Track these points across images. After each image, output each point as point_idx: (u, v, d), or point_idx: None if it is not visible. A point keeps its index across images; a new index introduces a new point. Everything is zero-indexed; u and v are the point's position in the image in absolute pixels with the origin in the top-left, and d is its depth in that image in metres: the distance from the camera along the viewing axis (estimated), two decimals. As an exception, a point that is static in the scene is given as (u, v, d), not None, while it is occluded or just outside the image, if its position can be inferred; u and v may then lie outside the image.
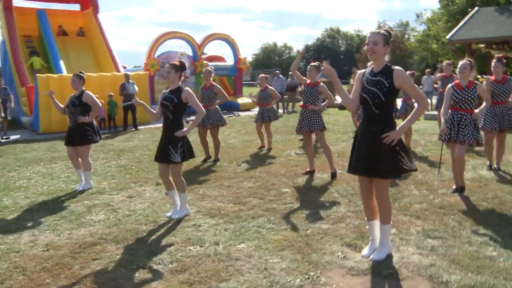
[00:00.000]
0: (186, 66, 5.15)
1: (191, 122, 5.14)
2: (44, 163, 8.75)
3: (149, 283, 3.53)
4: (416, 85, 3.83)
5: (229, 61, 22.31)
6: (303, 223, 4.86)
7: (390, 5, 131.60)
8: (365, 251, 3.99)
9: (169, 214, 5.25)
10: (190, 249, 4.19)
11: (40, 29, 17.72)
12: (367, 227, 4.16)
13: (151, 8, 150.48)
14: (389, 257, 3.87)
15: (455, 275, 3.51)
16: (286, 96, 19.27)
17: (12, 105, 13.57)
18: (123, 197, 6.17)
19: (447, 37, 14.84)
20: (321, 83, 6.90)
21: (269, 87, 9.80)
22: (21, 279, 3.69)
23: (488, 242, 4.21)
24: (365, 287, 3.40)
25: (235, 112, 18.62)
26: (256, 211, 5.33)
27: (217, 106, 8.34)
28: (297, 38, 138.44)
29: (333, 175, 6.84)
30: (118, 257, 4.09)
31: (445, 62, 10.20)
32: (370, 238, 4.05)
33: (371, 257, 3.85)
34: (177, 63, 5.04)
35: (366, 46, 3.64)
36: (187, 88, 5.03)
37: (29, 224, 5.09)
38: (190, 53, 19.30)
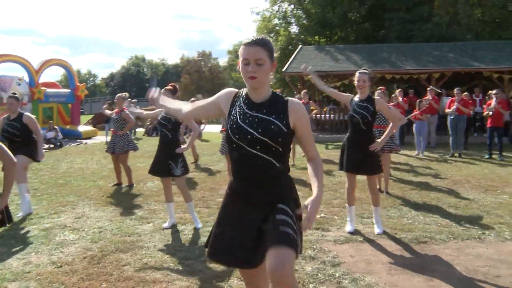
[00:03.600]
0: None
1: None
2: None
3: (199, 275, 4.15)
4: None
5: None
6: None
7: (188, 36, 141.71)
8: (349, 227, 5.29)
9: (166, 224, 5.64)
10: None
11: None
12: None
13: None
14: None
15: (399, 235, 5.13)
16: None
17: None
18: (70, 218, 6.13)
19: (283, 69, 17.56)
20: None
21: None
22: (75, 290, 3.86)
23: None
24: (355, 249, 4.72)
25: (78, 140, 17.74)
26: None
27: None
28: (95, 66, 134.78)
29: None
30: (144, 260, 4.49)
31: (304, 91, 12.12)
32: (349, 218, 5.38)
33: (378, 231, 5.18)
34: (171, 88, 5.52)
35: (357, 82, 5.03)
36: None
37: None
38: (26, 78, 17.91)
